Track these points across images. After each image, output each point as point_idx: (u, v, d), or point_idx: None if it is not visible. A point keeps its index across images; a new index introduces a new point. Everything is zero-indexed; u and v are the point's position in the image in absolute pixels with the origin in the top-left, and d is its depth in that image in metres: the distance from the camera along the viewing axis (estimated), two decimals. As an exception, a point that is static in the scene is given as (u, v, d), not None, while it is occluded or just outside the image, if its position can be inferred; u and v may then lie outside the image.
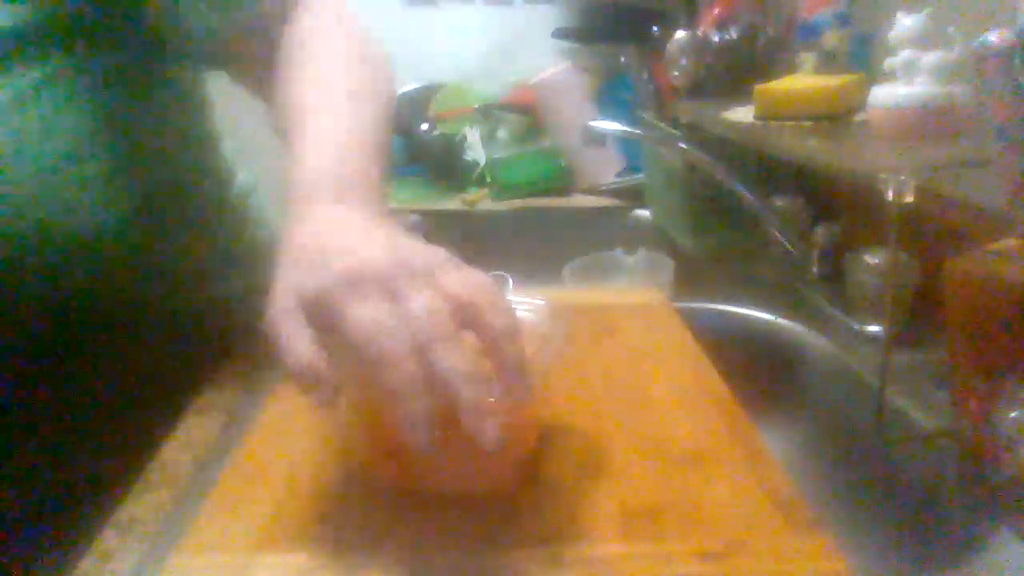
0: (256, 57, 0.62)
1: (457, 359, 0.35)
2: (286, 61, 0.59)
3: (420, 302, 0.36)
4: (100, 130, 0.56)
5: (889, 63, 0.77)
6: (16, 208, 0.52)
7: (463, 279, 0.38)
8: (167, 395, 0.60)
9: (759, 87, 0.96)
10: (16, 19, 0.51)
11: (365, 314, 0.35)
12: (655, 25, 1.42)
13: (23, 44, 0.52)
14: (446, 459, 0.39)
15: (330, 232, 0.40)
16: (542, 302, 0.51)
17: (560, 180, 1.58)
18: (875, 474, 0.67)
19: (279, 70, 0.58)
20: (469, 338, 0.37)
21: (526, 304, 0.50)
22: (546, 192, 1.58)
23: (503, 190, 1.57)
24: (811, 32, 1.04)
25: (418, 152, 1.70)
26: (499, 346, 0.37)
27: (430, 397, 0.35)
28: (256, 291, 0.44)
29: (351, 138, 0.49)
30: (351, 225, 0.41)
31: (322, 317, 0.37)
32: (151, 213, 0.60)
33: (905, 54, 0.74)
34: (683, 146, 0.98)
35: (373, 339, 0.35)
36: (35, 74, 0.52)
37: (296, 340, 0.37)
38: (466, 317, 0.37)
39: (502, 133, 1.65)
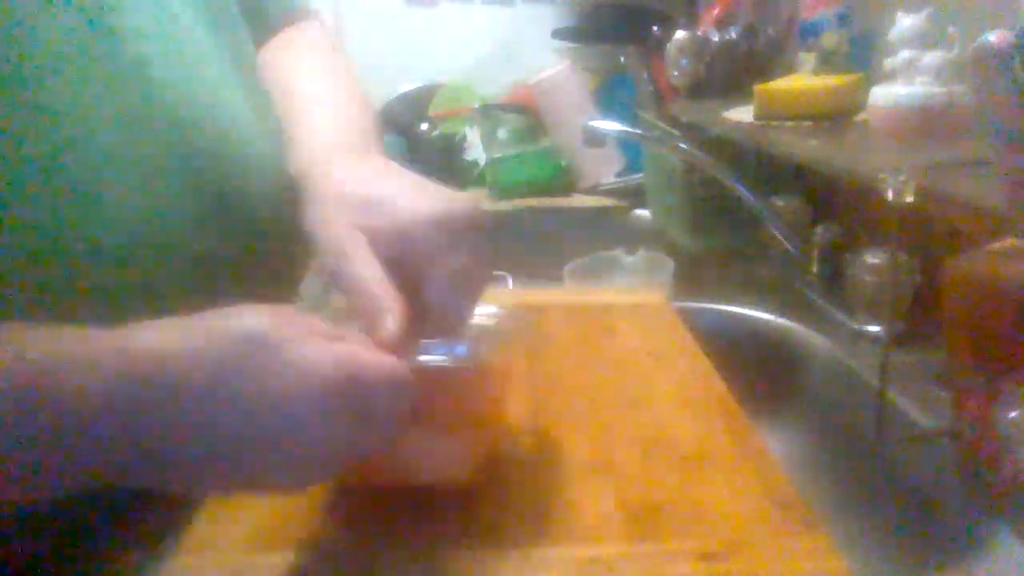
0: None
1: None
2: (274, 52, 0.63)
3: None
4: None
5: (889, 63, 0.77)
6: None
7: None
8: None
9: (759, 87, 0.96)
10: None
11: None
12: (655, 25, 1.42)
13: None
14: (407, 452, 0.40)
15: (377, 179, 0.46)
16: (496, 309, 0.51)
17: (560, 180, 1.58)
18: (875, 474, 0.67)
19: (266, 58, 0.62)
20: None
21: (483, 313, 0.49)
22: (546, 192, 1.58)
23: (503, 190, 1.57)
24: (811, 32, 1.04)
25: (418, 152, 1.70)
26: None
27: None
28: None
29: (350, 120, 0.56)
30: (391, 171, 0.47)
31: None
32: None
33: (905, 54, 0.75)
34: (683, 146, 0.98)
35: None
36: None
37: (370, 268, 0.40)
38: None
39: (502, 133, 1.64)
